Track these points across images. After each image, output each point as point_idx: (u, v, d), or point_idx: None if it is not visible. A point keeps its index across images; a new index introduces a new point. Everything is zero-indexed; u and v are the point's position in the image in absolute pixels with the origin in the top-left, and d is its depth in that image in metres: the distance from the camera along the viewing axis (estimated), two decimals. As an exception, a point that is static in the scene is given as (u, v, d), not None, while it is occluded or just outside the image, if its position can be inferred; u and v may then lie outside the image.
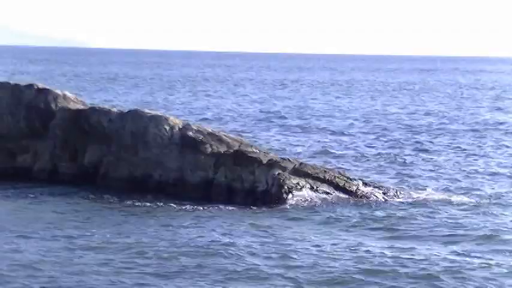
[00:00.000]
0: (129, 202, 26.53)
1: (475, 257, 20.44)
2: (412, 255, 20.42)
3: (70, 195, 27.73)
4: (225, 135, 29.05)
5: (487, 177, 32.90)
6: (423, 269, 19.12)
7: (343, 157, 37.61)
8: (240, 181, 27.30)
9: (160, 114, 30.08)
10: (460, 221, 24.44)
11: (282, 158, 28.21)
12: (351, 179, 28.16)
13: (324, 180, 27.48)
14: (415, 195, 28.07)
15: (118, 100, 67.87)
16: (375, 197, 27.42)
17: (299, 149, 39.88)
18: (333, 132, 48.26)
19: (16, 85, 32.43)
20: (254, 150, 28.41)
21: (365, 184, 28.22)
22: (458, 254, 20.64)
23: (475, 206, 26.78)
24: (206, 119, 53.67)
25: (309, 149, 40.38)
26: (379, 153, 38.86)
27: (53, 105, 31.35)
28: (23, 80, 35.45)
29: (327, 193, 27.27)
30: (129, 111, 30.30)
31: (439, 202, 27.15)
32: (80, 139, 30.35)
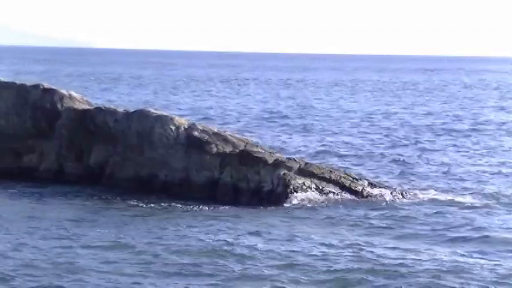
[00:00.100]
0: (134, 202, 26.56)
1: (480, 257, 20.44)
2: (417, 255, 20.41)
3: (75, 195, 27.78)
4: (230, 135, 29.09)
5: (492, 177, 32.88)
6: (428, 269, 19.11)
7: (347, 157, 37.63)
8: (245, 181, 27.34)
9: (166, 114, 30.12)
10: (465, 221, 24.44)
11: (287, 158, 28.23)
12: (356, 179, 28.17)
13: (329, 180, 27.50)
14: (420, 195, 28.08)
15: (121, 100, 67.90)
16: (380, 197, 27.42)
17: (302, 149, 39.90)
18: (337, 132, 48.27)
19: (22, 85, 32.53)
20: (260, 150, 28.44)
21: (371, 184, 28.23)
22: (463, 255, 20.64)
23: (480, 206, 26.78)
24: (209, 118, 53.67)
25: (313, 148, 40.40)
26: (382, 153, 38.85)
27: (59, 105, 31.42)
28: (27, 80, 35.46)
29: (333, 193, 27.30)
30: (134, 111, 30.34)
31: (443, 202, 27.17)
32: (85, 139, 30.41)
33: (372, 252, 20.62)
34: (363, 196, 27.42)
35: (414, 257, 20.21)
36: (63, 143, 30.73)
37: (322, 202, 26.63)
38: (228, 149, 28.14)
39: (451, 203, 27.02)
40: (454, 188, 29.98)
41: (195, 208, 25.87)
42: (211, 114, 58.01)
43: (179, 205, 26.19)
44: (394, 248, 21.12)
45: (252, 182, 27.25)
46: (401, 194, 27.86)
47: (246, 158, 27.60)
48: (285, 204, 26.33)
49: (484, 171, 34.11)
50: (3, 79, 33.64)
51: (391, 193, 27.81)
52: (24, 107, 31.82)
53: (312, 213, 25.22)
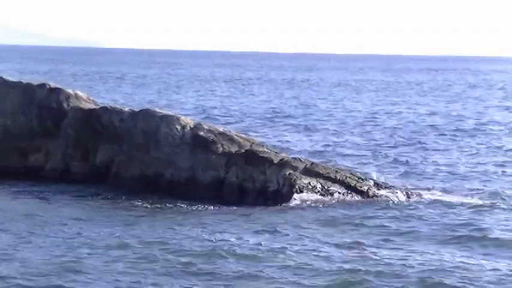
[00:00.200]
0: (140, 201, 26.60)
1: (485, 259, 20.42)
2: (422, 256, 20.41)
3: (81, 194, 27.83)
4: (236, 135, 29.15)
5: (497, 177, 32.89)
6: (432, 270, 19.10)
7: (351, 157, 37.63)
8: (251, 181, 27.39)
9: (171, 113, 30.21)
10: (470, 221, 24.43)
11: (293, 158, 28.27)
12: (362, 179, 28.20)
13: (335, 180, 27.53)
14: (425, 195, 28.08)
15: (125, 99, 67.98)
16: (386, 198, 27.43)
17: (306, 149, 39.92)
18: (341, 132, 48.26)
19: (28, 84, 32.61)
20: (265, 150, 28.49)
21: (376, 184, 28.26)
22: (468, 256, 20.63)
23: (485, 206, 26.77)
24: (213, 118, 53.71)
25: (317, 148, 40.42)
26: (386, 153, 38.86)
27: (65, 105, 31.51)
28: (32, 80, 35.52)
29: (338, 193, 27.32)
30: (140, 110, 30.42)
31: (448, 203, 27.15)
32: (91, 138, 30.49)
33: (376, 252, 20.62)
34: (368, 196, 27.43)
35: (419, 257, 20.22)
36: (70, 143, 30.81)
37: (328, 202, 26.64)
38: (234, 149, 28.20)
39: (456, 203, 27.00)
40: (458, 188, 29.97)
41: (200, 208, 25.92)
42: (215, 114, 58.06)
43: (184, 205, 26.23)
44: (398, 249, 21.13)
45: (258, 182, 27.30)
46: (407, 194, 27.88)
47: (252, 157, 27.65)
48: (290, 204, 26.36)
49: (489, 171, 34.11)
50: (10, 78, 33.73)
51: (397, 193, 27.82)
52: (30, 106, 31.91)
53: (318, 213, 25.24)
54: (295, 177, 26.96)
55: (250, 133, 41.21)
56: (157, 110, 30.58)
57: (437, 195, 28.25)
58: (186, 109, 59.99)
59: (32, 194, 27.91)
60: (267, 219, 24.32)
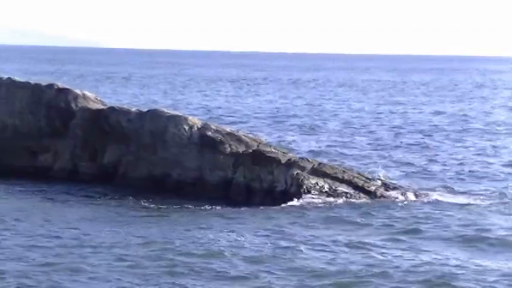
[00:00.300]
0: (147, 201, 26.64)
1: (492, 259, 20.40)
2: (429, 256, 20.40)
3: (89, 194, 27.91)
4: (243, 135, 29.21)
5: (504, 177, 32.90)
6: (439, 270, 19.09)
7: (356, 157, 37.62)
8: (258, 181, 27.44)
9: (179, 114, 30.29)
10: (477, 222, 24.41)
11: (300, 158, 28.31)
12: (369, 179, 28.21)
13: (342, 181, 27.53)
14: (432, 196, 28.05)
15: (131, 100, 68.07)
16: (394, 198, 27.40)
17: (311, 148, 39.94)
18: (346, 132, 48.28)
19: (37, 85, 32.76)
20: (273, 150, 28.52)
21: (384, 184, 28.29)
22: (476, 257, 20.61)
23: (492, 206, 26.76)
24: (219, 118, 53.76)
25: (322, 148, 40.43)
26: (392, 154, 38.88)
27: (73, 105, 31.61)
28: (39, 80, 35.65)
29: (346, 193, 27.31)
30: (148, 111, 30.51)
31: (456, 203, 27.08)
32: (99, 139, 30.58)
33: (383, 253, 20.61)
34: (376, 196, 27.40)
35: (427, 258, 20.20)
36: (78, 143, 30.90)
37: (335, 202, 26.63)
38: (241, 149, 28.25)
39: (464, 204, 26.96)
40: (466, 189, 29.95)
41: (207, 208, 25.95)
42: (220, 114, 58.12)
43: (192, 205, 26.24)
44: (406, 249, 21.11)
45: (265, 182, 27.35)
46: (414, 195, 27.87)
47: (259, 158, 27.70)
48: (297, 205, 26.36)
49: (496, 171, 34.10)
50: (18, 79, 33.86)
51: (404, 194, 27.81)
52: (38, 106, 32.03)
53: (325, 213, 25.23)
54: (302, 177, 27.00)
55: (255, 133, 41.27)
56: (165, 110, 30.67)
57: (444, 196, 28.22)
58: (192, 109, 60.04)
59: (40, 193, 27.99)
60: (274, 219, 24.34)
